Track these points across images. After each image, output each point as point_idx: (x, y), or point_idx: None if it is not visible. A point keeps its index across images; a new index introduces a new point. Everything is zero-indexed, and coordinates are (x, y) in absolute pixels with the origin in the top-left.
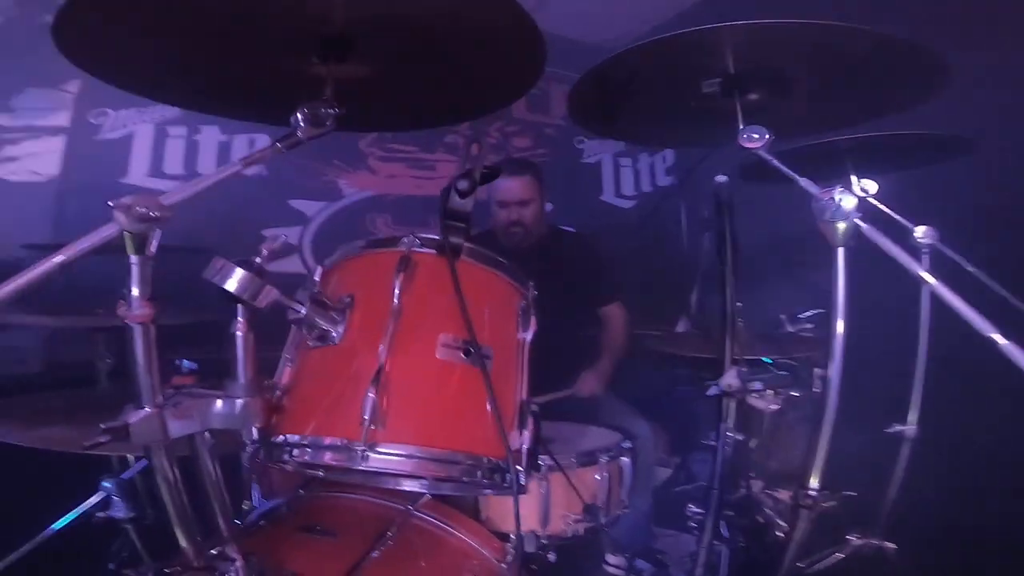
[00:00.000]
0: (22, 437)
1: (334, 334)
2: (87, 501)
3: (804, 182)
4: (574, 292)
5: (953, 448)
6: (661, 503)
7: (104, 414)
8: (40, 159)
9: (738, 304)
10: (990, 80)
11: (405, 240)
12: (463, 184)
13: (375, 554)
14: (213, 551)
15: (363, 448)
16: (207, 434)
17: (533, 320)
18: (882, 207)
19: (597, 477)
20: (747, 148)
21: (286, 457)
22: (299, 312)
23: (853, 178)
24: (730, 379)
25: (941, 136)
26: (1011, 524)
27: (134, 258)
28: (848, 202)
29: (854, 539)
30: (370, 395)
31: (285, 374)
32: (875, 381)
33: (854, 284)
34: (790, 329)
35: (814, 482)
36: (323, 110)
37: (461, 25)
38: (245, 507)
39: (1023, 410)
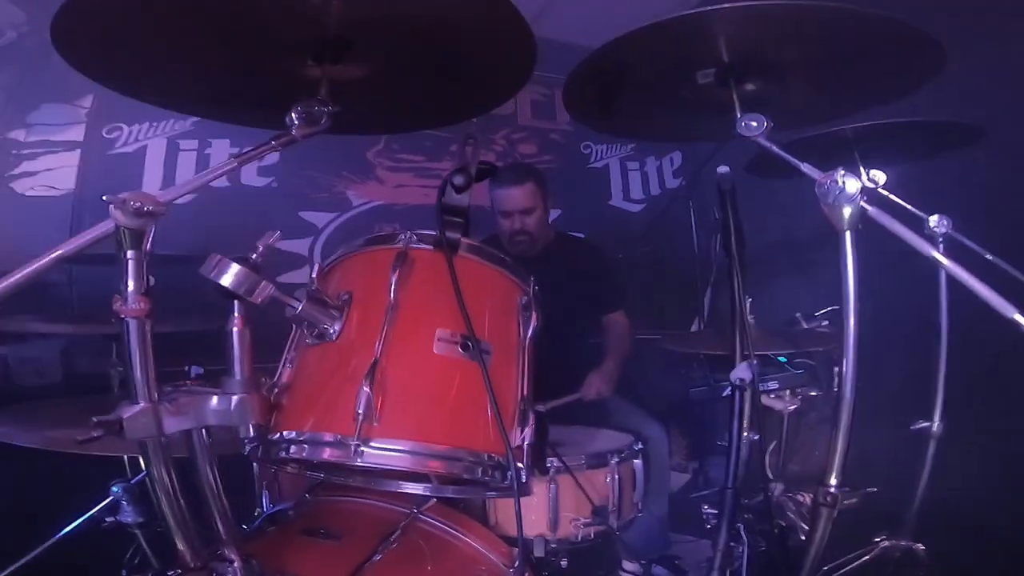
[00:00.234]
0: (25, 438)
1: (332, 331)
2: (97, 506)
3: (806, 167)
4: (581, 299)
5: (981, 444)
6: (679, 509)
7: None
8: (56, 174)
9: (749, 299)
10: (998, 68)
11: (402, 237)
12: (459, 179)
13: (378, 557)
14: (211, 553)
15: (357, 443)
16: (204, 433)
17: (535, 316)
18: (893, 197)
19: (607, 479)
20: (745, 136)
21: (283, 454)
22: (296, 309)
23: (861, 169)
24: (741, 372)
25: (950, 123)
26: None
27: (130, 253)
28: (852, 185)
29: (882, 540)
30: (364, 390)
31: (285, 373)
32: (899, 377)
33: (871, 279)
34: (806, 327)
35: (833, 479)
36: (317, 108)
37: (454, 24)
38: (257, 513)
39: None
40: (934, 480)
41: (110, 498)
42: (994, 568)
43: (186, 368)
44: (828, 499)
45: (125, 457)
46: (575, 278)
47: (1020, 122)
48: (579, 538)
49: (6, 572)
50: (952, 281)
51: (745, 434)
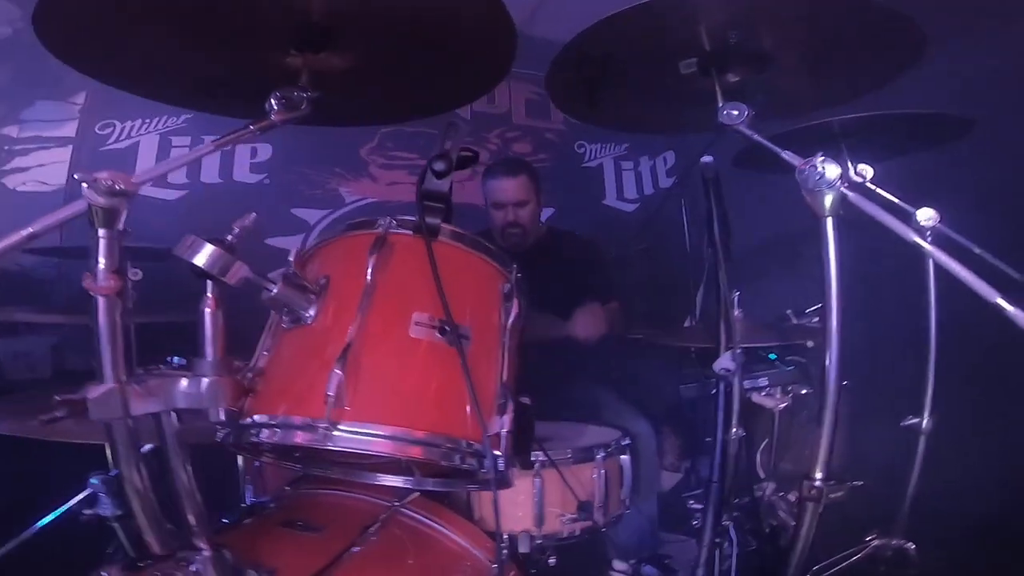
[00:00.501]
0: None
1: (307, 315)
2: (74, 498)
3: (787, 154)
4: (573, 292)
5: (972, 440)
6: (669, 508)
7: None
8: (47, 169)
9: (736, 292)
10: (987, 61)
11: (382, 222)
12: (439, 165)
13: (356, 549)
14: (182, 543)
15: (326, 426)
16: (174, 417)
17: (516, 303)
18: (880, 191)
19: (593, 475)
20: (727, 125)
21: (254, 439)
22: (271, 291)
23: (848, 164)
24: (725, 363)
25: (938, 116)
26: None
27: (102, 232)
28: (832, 171)
29: (873, 539)
30: (336, 372)
31: (261, 358)
32: (891, 373)
33: (866, 278)
34: (796, 323)
35: (819, 473)
36: (296, 94)
37: (435, 14)
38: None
39: None
40: (924, 477)
41: (88, 490)
42: (986, 564)
43: (168, 359)
44: (813, 493)
45: (107, 448)
46: (568, 271)
47: (1008, 116)
48: (565, 534)
49: None
50: (940, 277)
51: (733, 430)
